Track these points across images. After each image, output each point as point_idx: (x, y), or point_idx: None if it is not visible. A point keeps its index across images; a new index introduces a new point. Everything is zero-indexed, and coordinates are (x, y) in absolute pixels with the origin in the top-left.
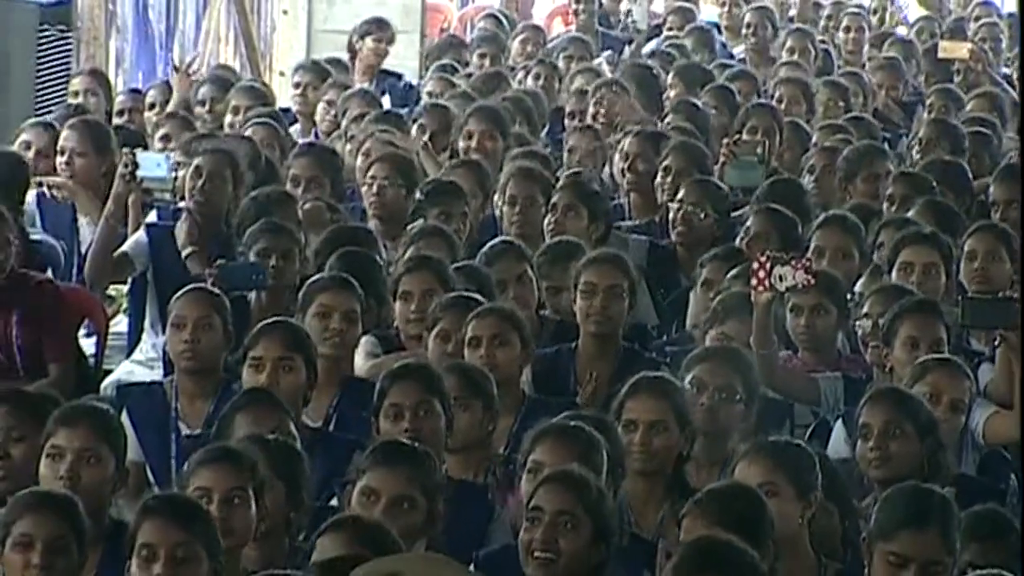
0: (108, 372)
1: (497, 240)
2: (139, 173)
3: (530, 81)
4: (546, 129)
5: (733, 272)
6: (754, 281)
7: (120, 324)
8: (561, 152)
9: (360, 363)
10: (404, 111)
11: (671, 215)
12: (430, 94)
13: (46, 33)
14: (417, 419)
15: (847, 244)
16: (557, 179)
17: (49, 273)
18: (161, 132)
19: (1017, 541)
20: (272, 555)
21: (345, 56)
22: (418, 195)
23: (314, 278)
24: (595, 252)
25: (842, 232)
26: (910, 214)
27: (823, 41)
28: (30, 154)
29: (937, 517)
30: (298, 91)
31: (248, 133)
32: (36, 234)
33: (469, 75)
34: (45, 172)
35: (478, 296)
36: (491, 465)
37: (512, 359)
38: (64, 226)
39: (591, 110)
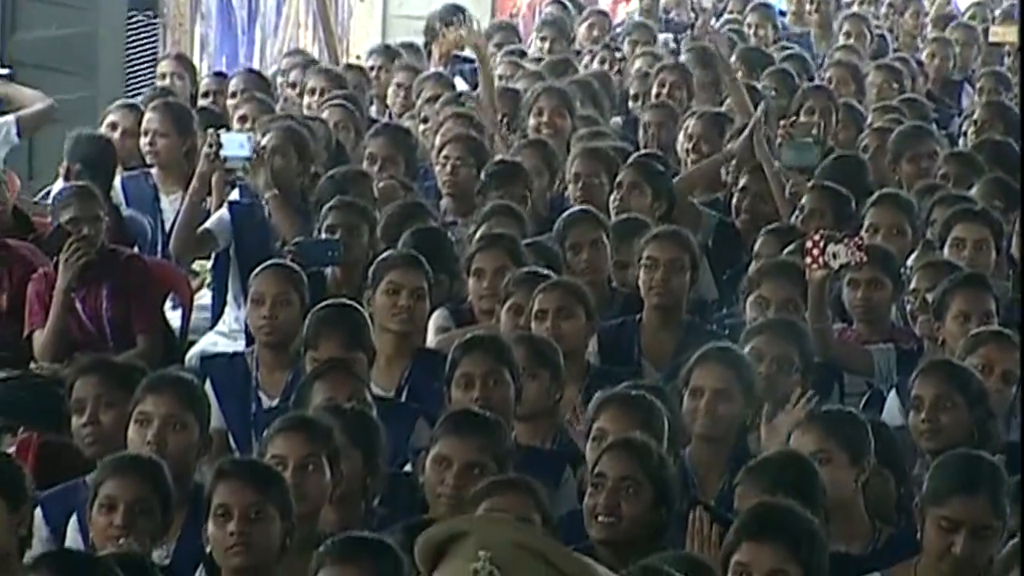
0: (192, 343)
1: (576, 207)
2: (222, 153)
3: (595, 65)
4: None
5: (788, 248)
6: (808, 259)
7: (204, 297)
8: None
9: (432, 336)
10: (476, 93)
11: (735, 201)
12: (500, 77)
13: (134, 19)
14: (487, 388)
15: (900, 221)
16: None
17: (137, 249)
18: (239, 113)
19: None
20: (349, 518)
21: (418, 40)
22: (483, 175)
23: (384, 255)
24: (658, 228)
25: (895, 209)
26: (973, 191)
27: (878, 26)
28: (116, 135)
29: (987, 483)
30: (372, 74)
31: (324, 115)
32: (124, 211)
33: (538, 59)
34: (130, 153)
35: (548, 272)
36: (558, 432)
37: (577, 331)
38: (147, 205)
39: (654, 91)
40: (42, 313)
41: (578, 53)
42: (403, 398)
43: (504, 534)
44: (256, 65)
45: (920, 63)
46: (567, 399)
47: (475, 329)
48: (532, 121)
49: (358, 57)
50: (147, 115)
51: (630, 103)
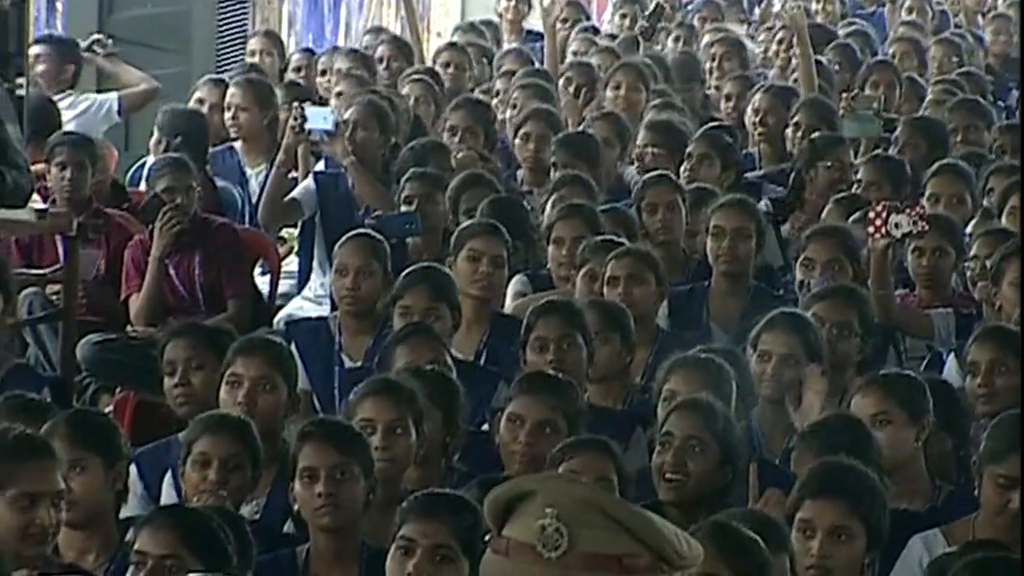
0: (280, 307)
1: (655, 171)
2: (307, 125)
3: (669, 42)
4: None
5: (853, 217)
6: (871, 228)
7: (291, 264)
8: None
9: (509, 301)
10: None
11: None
12: (574, 52)
13: None
14: (560, 351)
15: (960, 190)
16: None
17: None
18: (337, 90)
19: None
20: (430, 476)
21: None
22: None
23: (464, 224)
24: (724, 197)
25: (955, 179)
26: None
27: (939, 2)
28: (204, 109)
29: None
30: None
31: (405, 90)
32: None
33: (612, 35)
34: (216, 127)
35: (622, 240)
36: (629, 394)
37: (647, 296)
38: (234, 177)
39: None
40: (138, 279)
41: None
42: (481, 362)
43: (570, 491)
44: (341, 41)
45: (980, 39)
46: (638, 362)
47: (550, 295)
48: (609, 94)
49: (438, 34)
50: (230, 90)
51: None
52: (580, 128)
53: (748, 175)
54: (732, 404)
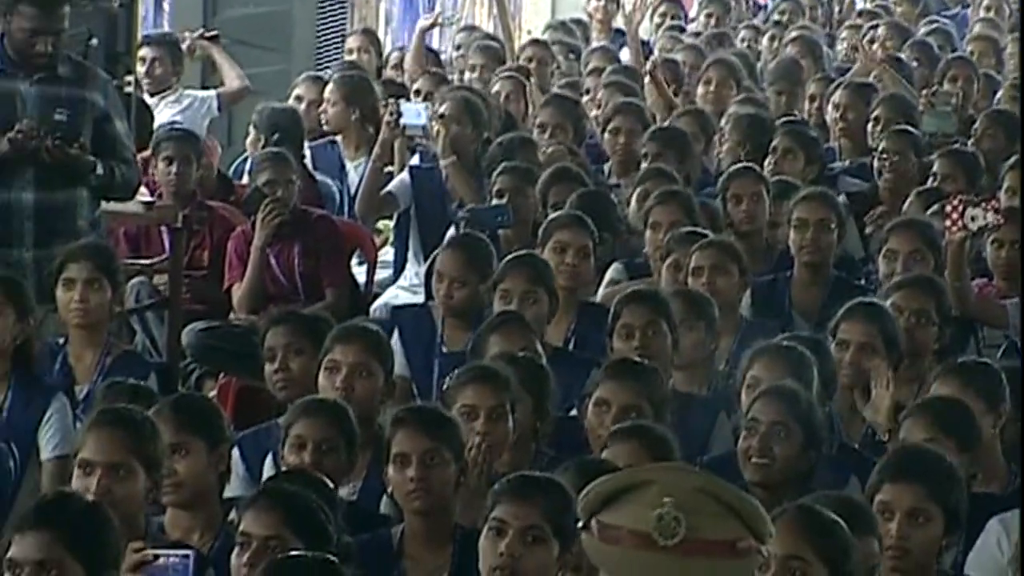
0: (376, 296)
1: (740, 163)
2: (402, 121)
3: (764, 41)
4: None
5: (931, 211)
6: (948, 222)
7: (387, 254)
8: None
9: (603, 288)
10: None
11: (877, 163)
12: (661, 49)
13: None
14: (646, 338)
15: None
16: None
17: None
18: (415, 87)
19: None
20: (521, 460)
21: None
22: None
23: (552, 216)
24: (807, 190)
25: None
26: None
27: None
28: (302, 106)
29: None
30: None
31: (496, 87)
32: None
33: (696, 33)
34: (314, 122)
35: (707, 232)
36: (712, 380)
37: (730, 286)
38: (334, 171)
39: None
40: (240, 268)
41: (734, 28)
42: (570, 348)
43: (686, 481)
44: (435, 40)
45: None
46: (721, 349)
47: (636, 283)
48: (700, 90)
49: (529, 32)
50: (328, 87)
51: None
52: (667, 123)
53: (833, 166)
54: (814, 391)
